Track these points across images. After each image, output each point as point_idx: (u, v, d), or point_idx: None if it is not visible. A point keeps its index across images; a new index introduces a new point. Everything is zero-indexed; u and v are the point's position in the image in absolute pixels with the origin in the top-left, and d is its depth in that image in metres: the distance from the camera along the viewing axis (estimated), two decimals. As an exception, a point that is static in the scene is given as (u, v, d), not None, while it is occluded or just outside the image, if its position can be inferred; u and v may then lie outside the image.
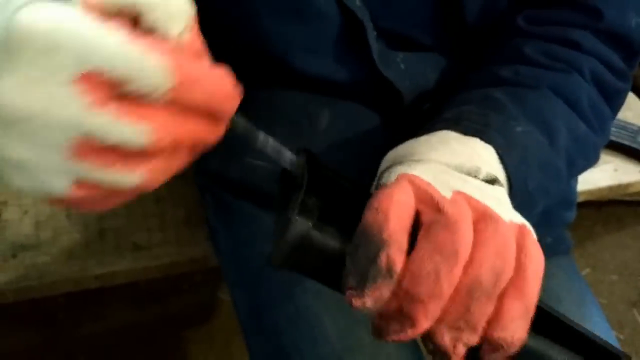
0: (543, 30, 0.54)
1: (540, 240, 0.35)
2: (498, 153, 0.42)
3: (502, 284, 0.31)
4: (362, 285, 0.29)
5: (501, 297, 0.31)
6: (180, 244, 0.77)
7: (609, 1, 0.52)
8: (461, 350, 0.31)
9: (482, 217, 0.32)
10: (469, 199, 0.33)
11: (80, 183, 0.27)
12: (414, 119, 0.60)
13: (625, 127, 1.13)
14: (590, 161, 0.55)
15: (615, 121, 1.09)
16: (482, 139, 0.42)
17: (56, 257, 0.72)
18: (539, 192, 0.45)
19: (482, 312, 0.30)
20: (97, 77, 0.25)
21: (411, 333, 0.30)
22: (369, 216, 0.30)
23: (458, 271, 0.29)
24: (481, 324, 0.31)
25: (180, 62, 0.26)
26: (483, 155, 0.41)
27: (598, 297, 1.50)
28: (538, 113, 0.48)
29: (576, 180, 0.76)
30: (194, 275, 1.36)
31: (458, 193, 0.33)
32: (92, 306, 1.26)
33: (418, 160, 0.39)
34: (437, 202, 0.31)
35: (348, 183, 0.38)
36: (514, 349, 0.31)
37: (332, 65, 0.58)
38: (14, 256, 0.72)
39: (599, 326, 0.65)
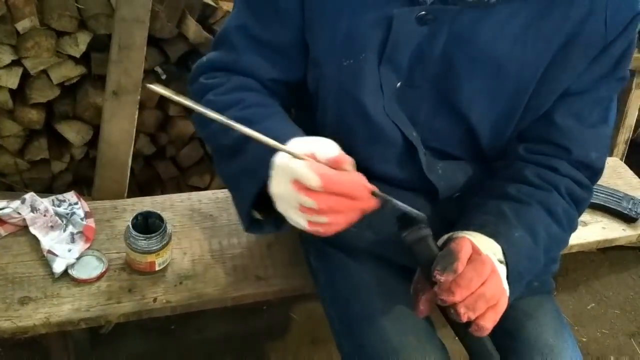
0: (536, 158, 0.88)
1: (529, 284, 0.74)
2: (503, 250, 0.77)
3: (492, 302, 0.67)
4: (443, 270, 0.67)
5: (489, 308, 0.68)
6: (286, 277, 1.11)
7: (576, 142, 0.86)
8: (465, 319, 0.68)
9: (494, 269, 0.70)
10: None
11: (309, 221, 0.63)
12: (447, 203, 0.94)
13: (612, 194, 1.41)
14: (561, 247, 0.90)
15: (603, 188, 1.41)
16: (496, 240, 0.77)
17: (208, 284, 1.07)
18: (526, 271, 0.80)
19: (482, 306, 0.68)
20: (297, 182, 0.61)
21: (451, 300, 0.68)
22: (454, 246, 0.69)
23: (479, 282, 0.67)
24: (479, 311, 0.68)
25: (323, 172, 0.60)
26: (497, 250, 0.76)
27: (601, 329, 1.77)
28: (529, 223, 0.81)
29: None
30: (272, 299, 1.68)
31: (487, 256, 0.71)
32: (194, 320, 1.60)
33: (473, 235, 0.76)
34: (478, 250, 0.70)
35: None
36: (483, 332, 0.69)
37: (396, 170, 0.90)
38: (180, 283, 1.07)
39: (570, 348, 0.91)
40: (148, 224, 1.04)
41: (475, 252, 0.72)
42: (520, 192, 0.85)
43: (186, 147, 1.54)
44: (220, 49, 0.86)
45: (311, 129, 0.90)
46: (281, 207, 0.64)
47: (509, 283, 0.76)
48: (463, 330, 0.73)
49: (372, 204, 0.64)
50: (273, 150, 0.63)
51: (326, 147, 0.63)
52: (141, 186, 1.57)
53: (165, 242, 1.02)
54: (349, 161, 0.64)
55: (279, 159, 0.63)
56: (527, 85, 0.82)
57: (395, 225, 0.86)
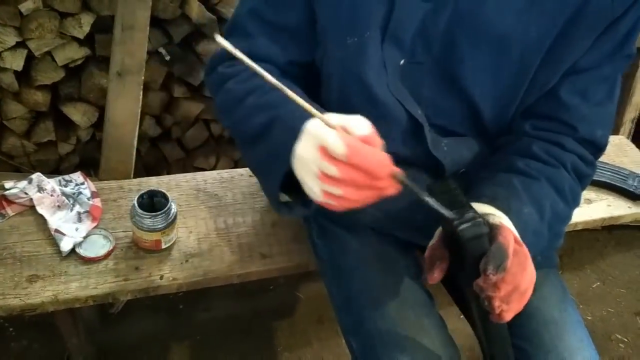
0: (542, 134, 0.87)
1: (533, 259, 0.73)
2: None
3: (524, 293, 0.70)
4: (496, 269, 0.66)
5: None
6: (290, 254, 1.12)
7: (582, 120, 0.86)
8: (498, 311, 0.69)
9: (529, 258, 0.72)
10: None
11: (324, 191, 0.62)
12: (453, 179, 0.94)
13: (618, 171, 1.41)
14: (565, 223, 0.89)
15: (609, 166, 1.41)
16: (507, 215, 0.76)
17: (214, 262, 1.09)
18: (531, 246, 0.78)
19: (516, 299, 0.70)
20: (323, 148, 0.60)
21: (495, 296, 0.68)
22: (503, 241, 0.68)
23: (521, 277, 0.69)
24: (512, 304, 0.69)
25: (351, 143, 0.59)
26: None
27: (606, 307, 1.78)
28: (536, 198, 0.81)
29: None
30: (278, 278, 1.70)
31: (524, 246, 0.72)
32: (202, 300, 1.62)
33: (501, 217, 0.75)
34: (518, 240, 0.70)
35: None
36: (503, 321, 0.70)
37: (402, 147, 0.90)
38: (187, 261, 1.08)
39: (574, 322, 0.92)
40: (154, 202, 1.05)
41: (517, 242, 0.72)
42: (529, 166, 0.85)
43: (192, 128, 1.54)
44: (233, 36, 0.85)
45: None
46: (301, 171, 0.64)
47: None
48: (481, 314, 0.73)
49: (392, 187, 0.63)
50: (296, 135, 0.64)
51: (360, 124, 0.62)
52: (147, 168, 1.58)
53: (170, 220, 1.03)
54: (379, 142, 0.63)
55: (311, 124, 0.63)
56: (531, 61, 0.82)
57: (398, 201, 0.87)
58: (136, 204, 1.01)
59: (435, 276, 0.73)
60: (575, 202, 0.89)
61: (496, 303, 0.69)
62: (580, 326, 0.92)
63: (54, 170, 1.46)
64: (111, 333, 1.51)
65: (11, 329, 1.48)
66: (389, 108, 0.85)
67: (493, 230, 0.70)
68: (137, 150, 1.53)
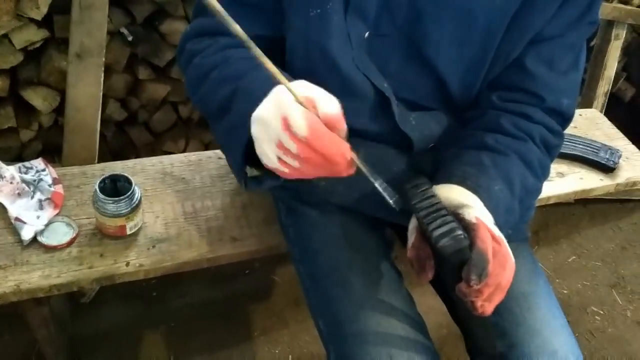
0: (509, 106, 0.86)
1: (504, 234, 0.73)
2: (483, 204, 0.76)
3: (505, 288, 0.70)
4: (479, 278, 0.66)
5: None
6: (261, 237, 1.10)
7: (548, 89, 0.85)
8: (480, 311, 0.70)
9: (508, 255, 0.71)
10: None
11: (279, 158, 0.61)
12: (421, 155, 0.93)
13: (590, 144, 1.41)
14: (535, 196, 0.89)
15: (581, 139, 1.41)
16: (477, 195, 0.76)
17: (182, 247, 1.06)
18: (504, 223, 0.78)
19: (498, 297, 0.70)
20: (286, 120, 0.59)
21: (478, 299, 0.69)
22: (482, 246, 0.68)
23: (502, 276, 0.69)
24: (495, 302, 0.70)
25: (314, 125, 0.58)
26: (479, 204, 0.75)
27: (582, 280, 1.79)
28: (506, 174, 0.81)
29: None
30: (253, 263, 1.69)
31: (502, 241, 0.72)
32: (176, 286, 1.59)
33: (473, 207, 0.74)
34: (495, 236, 0.70)
35: None
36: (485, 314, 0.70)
37: (369, 123, 0.88)
38: (153, 247, 1.05)
39: (544, 294, 0.91)
40: (117, 187, 1.02)
41: (495, 240, 0.71)
42: (498, 142, 0.83)
43: (159, 111, 1.51)
44: (201, 15, 0.85)
45: None
46: (260, 133, 0.62)
47: None
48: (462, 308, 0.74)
49: (347, 172, 0.64)
50: (258, 104, 0.63)
51: (329, 102, 0.61)
52: (114, 153, 1.54)
53: (134, 205, 1.00)
54: (343, 127, 0.62)
55: (279, 90, 0.62)
56: (496, 31, 0.80)
57: (366, 179, 0.86)
58: (97, 189, 0.98)
59: (429, 275, 0.72)
60: (544, 175, 0.88)
61: (479, 304, 0.70)
62: (551, 298, 0.92)
63: (16, 157, 1.42)
64: (83, 323, 1.48)
65: (-22, 322, 1.44)
66: (354, 82, 0.83)
67: (470, 232, 0.70)
68: (103, 135, 1.49)
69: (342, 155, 0.61)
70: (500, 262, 0.70)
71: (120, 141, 1.53)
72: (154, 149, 1.57)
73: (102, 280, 1.00)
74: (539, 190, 0.89)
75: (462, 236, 0.69)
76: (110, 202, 0.97)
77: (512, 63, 0.85)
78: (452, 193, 0.76)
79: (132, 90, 1.46)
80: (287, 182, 0.94)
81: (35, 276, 0.97)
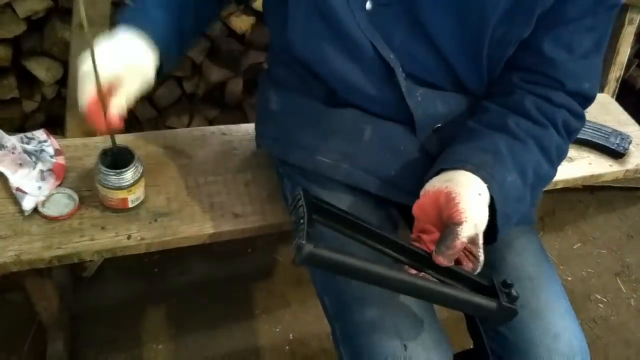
0: (532, 88, 0.84)
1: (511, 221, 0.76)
2: (492, 195, 0.75)
3: None
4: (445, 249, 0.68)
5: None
6: (264, 214, 1.09)
7: (569, 75, 0.83)
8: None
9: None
10: None
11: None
12: (427, 136, 0.91)
13: (600, 129, 1.39)
14: (547, 183, 0.87)
15: (591, 123, 1.38)
16: (488, 185, 0.74)
17: (184, 221, 1.05)
18: (513, 213, 0.78)
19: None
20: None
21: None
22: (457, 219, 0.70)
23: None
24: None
25: (90, 104, 0.79)
26: (483, 190, 0.75)
27: (586, 268, 1.78)
28: (521, 163, 0.79)
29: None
30: (255, 241, 1.68)
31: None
32: (178, 264, 1.59)
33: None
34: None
35: (335, 208, 0.74)
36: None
37: (374, 90, 0.87)
38: (155, 220, 1.04)
39: (550, 279, 0.90)
40: (119, 159, 1.00)
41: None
42: (519, 126, 0.82)
43: (162, 86, 1.49)
44: None
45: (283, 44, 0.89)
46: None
47: (498, 225, 0.76)
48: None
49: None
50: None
51: (111, 62, 0.77)
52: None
53: (137, 177, 0.99)
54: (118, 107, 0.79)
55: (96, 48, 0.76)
56: (493, 8, 0.77)
57: (373, 156, 0.85)
58: (99, 161, 0.96)
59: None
60: (560, 160, 0.87)
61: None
62: (556, 282, 0.90)
63: (18, 129, 1.40)
64: (84, 297, 1.48)
65: (-19, 292, 1.44)
66: (360, 46, 0.82)
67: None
68: (107, 109, 1.47)
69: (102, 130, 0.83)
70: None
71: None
72: (157, 124, 1.56)
73: (103, 252, 0.99)
74: (551, 177, 0.87)
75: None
76: (112, 174, 0.96)
77: (529, 47, 0.83)
78: (465, 180, 0.75)
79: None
80: (292, 158, 0.94)
81: (36, 247, 0.96)
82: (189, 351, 1.43)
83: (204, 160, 1.17)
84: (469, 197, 0.72)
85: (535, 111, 0.83)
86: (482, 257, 0.73)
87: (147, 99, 1.51)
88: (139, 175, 0.99)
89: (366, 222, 0.73)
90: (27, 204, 0.99)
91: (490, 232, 0.76)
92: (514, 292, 0.71)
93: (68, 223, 1.00)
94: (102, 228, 1.00)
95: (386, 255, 0.74)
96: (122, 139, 1.17)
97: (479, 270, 0.74)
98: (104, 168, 0.96)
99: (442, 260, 0.70)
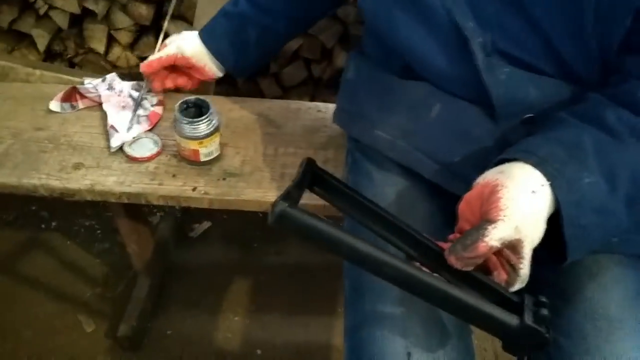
0: None
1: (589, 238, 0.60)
2: (557, 197, 0.59)
3: None
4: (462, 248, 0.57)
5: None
6: (333, 194, 1.02)
7: None
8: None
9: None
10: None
11: None
12: (513, 126, 0.76)
13: None
14: None
15: None
16: (552, 182, 0.59)
17: (250, 185, 1.03)
18: (594, 227, 0.60)
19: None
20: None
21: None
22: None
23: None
24: None
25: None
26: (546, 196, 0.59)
27: None
28: (610, 166, 0.62)
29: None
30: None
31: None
32: (277, 244, 1.59)
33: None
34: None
35: (344, 186, 0.67)
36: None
37: (450, 69, 0.75)
38: (224, 179, 1.04)
39: (636, 320, 0.70)
40: (202, 113, 1.02)
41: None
42: (621, 120, 0.64)
43: (290, 65, 1.50)
44: None
45: None
46: None
47: (565, 236, 0.59)
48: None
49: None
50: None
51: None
52: (243, 101, 1.57)
53: (210, 130, 0.99)
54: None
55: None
56: None
57: (428, 141, 0.77)
58: (177, 108, 0.99)
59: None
60: None
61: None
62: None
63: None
64: (183, 255, 1.55)
65: (99, 231, 1.59)
66: (433, 12, 0.71)
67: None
68: (234, 81, 1.53)
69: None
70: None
71: (250, 90, 1.56)
72: (281, 103, 1.57)
73: (167, 199, 1.01)
74: None
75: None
76: (185, 122, 0.97)
77: None
78: (520, 174, 0.60)
79: (267, 40, 1.47)
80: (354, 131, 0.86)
81: (110, 181, 1.01)
82: (261, 331, 1.41)
83: (292, 132, 1.14)
84: (516, 192, 0.58)
85: None
86: (524, 271, 0.58)
87: (274, 76, 1.53)
88: (212, 129, 0.99)
89: (376, 205, 0.63)
90: (114, 141, 1.05)
91: (558, 248, 0.60)
92: (543, 312, 0.55)
93: (145, 165, 1.04)
94: (173, 176, 1.03)
95: (394, 245, 0.63)
96: (220, 101, 1.20)
97: (516, 287, 0.59)
98: (179, 115, 0.98)
99: (454, 262, 0.57)
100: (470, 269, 0.58)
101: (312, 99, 1.56)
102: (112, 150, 1.05)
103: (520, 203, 0.57)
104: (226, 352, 1.37)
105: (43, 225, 1.60)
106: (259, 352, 1.37)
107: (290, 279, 1.51)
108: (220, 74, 1.07)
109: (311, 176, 0.66)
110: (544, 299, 0.57)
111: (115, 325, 1.35)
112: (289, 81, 1.53)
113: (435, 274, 0.58)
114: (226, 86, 1.54)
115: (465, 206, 0.63)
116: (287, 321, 1.43)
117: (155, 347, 1.37)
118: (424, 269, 0.59)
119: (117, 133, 1.06)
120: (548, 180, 0.59)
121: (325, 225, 0.57)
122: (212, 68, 1.07)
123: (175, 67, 1.09)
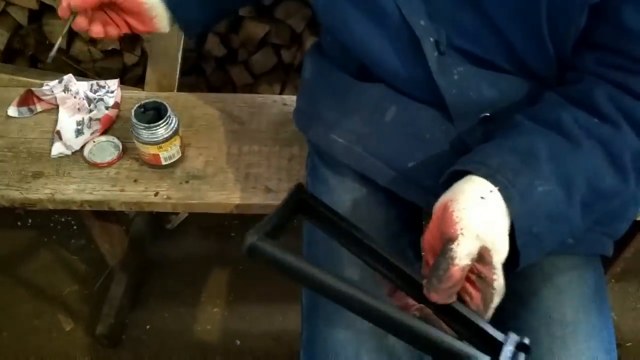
0: (609, 73, 0.64)
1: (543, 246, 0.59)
2: (510, 206, 0.57)
3: None
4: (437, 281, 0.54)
5: None
6: (298, 193, 1.01)
7: None
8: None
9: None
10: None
11: None
12: (470, 127, 0.74)
13: None
14: (614, 202, 0.65)
15: None
16: (503, 195, 0.57)
17: (213, 187, 1.01)
18: (546, 233, 0.59)
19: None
20: None
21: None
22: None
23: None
24: None
25: None
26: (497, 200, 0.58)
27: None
28: (566, 173, 0.60)
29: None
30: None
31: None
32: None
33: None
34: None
35: (330, 211, 0.65)
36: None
37: (403, 70, 0.73)
38: (187, 182, 1.02)
39: (592, 322, 0.71)
40: (160, 115, 1.00)
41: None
42: (577, 123, 0.62)
43: (258, 52, 1.46)
44: None
45: None
46: None
47: (518, 247, 0.58)
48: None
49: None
50: None
51: None
52: (213, 90, 1.54)
53: (168, 134, 0.97)
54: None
55: None
56: None
57: (388, 148, 0.76)
58: (133, 113, 0.96)
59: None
60: (639, 172, 0.64)
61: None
62: (602, 336, 0.70)
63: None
64: (160, 248, 1.55)
65: (75, 227, 1.58)
66: (384, 10, 0.69)
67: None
68: (202, 69, 1.50)
69: None
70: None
71: (220, 79, 1.53)
72: (251, 91, 1.54)
73: (130, 205, 1.00)
74: (620, 193, 0.65)
75: None
76: (142, 127, 0.95)
77: (605, 17, 0.62)
78: (467, 186, 0.59)
79: (233, 27, 1.43)
80: (310, 134, 0.84)
81: (71, 189, 0.99)
82: (240, 321, 1.42)
83: (256, 128, 1.12)
84: (466, 202, 0.57)
85: (606, 104, 0.62)
86: (498, 282, 0.56)
87: (244, 64, 1.50)
88: (171, 132, 0.97)
89: (364, 234, 0.63)
90: (55, 149, 1.03)
91: (511, 253, 0.59)
92: (521, 358, 0.54)
93: (106, 171, 1.02)
94: (135, 181, 1.01)
95: (382, 275, 0.62)
96: (185, 98, 1.18)
97: (496, 301, 0.57)
98: (136, 121, 0.95)
99: (436, 298, 0.55)
100: (453, 300, 0.56)
101: (284, 85, 1.53)
102: (51, 157, 1.03)
103: (472, 212, 0.56)
104: (205, 344, 1.38)
105: (19, 223, 1.59)
106: (238, 342, 1.38)
107: (267, 269, 1.50)
108: (165, 30, 0.89)
109: (299, 203, 0.65)
110: (527, 343, 0.54)
111: (94, 323, 1.35)
112: (259, 68, 1.49)
113: (411, 309, 0.58)
114: (195, 76, 1.51)
115: (429, 235, 0.60)
116: (266, 310, 1.43)
117: (134, 342, 1.37)
118: (409, 299, 0.59)
119: (60, 141, 1.04)
120: (495, 185, 0.58)
121: (295, 259, 0.58)
122: (161, 20, 0.87)
123: (110, 11, 0.85)
